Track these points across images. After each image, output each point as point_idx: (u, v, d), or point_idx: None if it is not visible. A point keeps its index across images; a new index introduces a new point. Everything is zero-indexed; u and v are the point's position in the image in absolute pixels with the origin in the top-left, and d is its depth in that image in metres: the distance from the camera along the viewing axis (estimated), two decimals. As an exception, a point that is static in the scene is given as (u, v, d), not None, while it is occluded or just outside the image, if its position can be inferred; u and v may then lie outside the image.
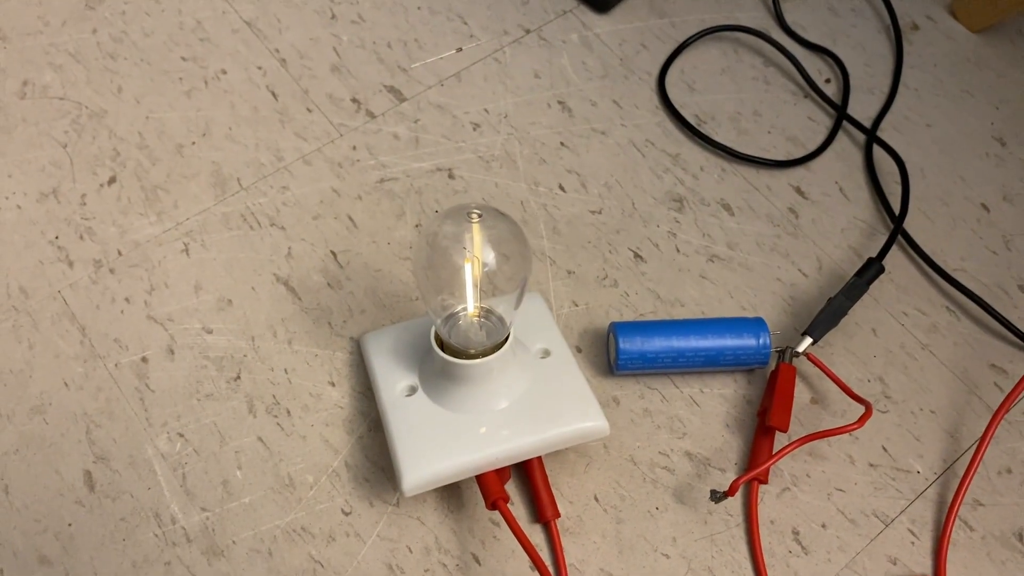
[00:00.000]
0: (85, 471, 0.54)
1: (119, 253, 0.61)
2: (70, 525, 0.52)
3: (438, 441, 0.50)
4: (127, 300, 0.59)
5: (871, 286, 0.60)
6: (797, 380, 0.58)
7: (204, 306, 0.59)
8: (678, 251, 0.63)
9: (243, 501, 0.53)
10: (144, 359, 0.57)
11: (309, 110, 0.67)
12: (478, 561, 0.52)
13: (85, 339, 0.58)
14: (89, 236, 0.61)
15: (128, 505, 0.53)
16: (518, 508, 0.53)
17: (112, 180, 0.64)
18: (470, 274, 0.49)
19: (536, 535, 0.53)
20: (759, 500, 0.54)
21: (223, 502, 0.53)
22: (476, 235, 0.48)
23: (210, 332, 0.58)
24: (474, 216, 0.48)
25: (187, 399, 0.56)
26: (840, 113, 0.69)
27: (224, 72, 0.69)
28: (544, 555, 0.52)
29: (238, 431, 0.55)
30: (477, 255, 0.48)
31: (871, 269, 0.60)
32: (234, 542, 0.52)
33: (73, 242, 0.61)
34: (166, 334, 0.58)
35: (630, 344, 0.56)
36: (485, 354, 0.50)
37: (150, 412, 0.55)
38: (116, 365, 0.57)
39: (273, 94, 0.68)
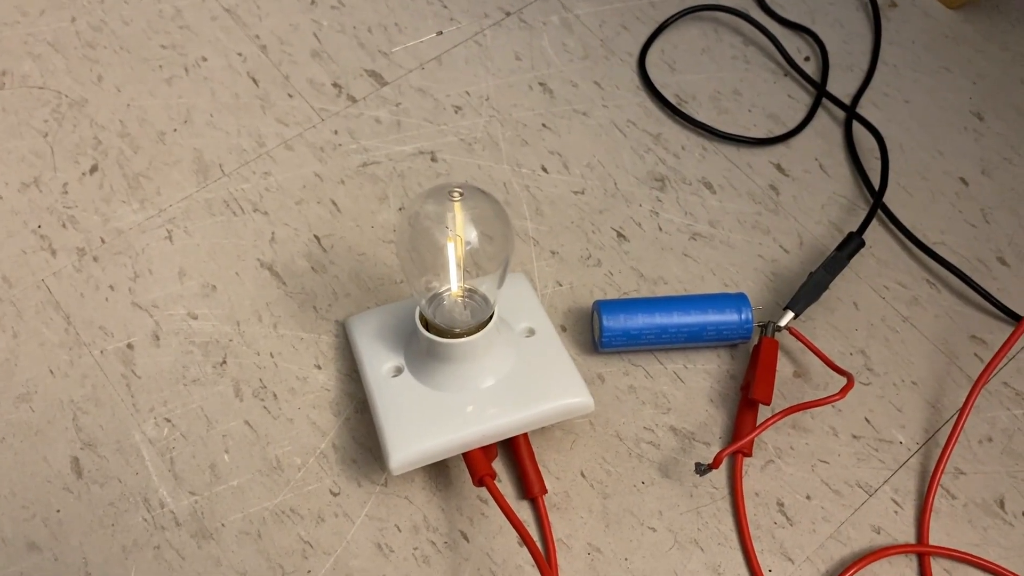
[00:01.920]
0: (72, 458, 0.54)
1: (102, 241, 0.61)
2: (58, 511, 0.52)
3: (424, 420, 0.51)
4: (111, 287, 0.59)
5: (852, 260, 0.61)
6: (780, 354, 0.58)
7: (189, 292, 0.59)
8: (660, 230, 0.63)
9: (231, 484, 0.53)
10: (130, 346, 0.57)
11: (290, 96, 0.67)
12: (466, 538, 0.52)
13: (70, 327, 0.58)
14: (72, 224, 0.61)
15: (116, 490, 0.53)
16: (505, 485, 0.54)
17: (94, 168, 0.63)
18: (453, 253, 0.49)
19: (524, 511, 0.53)
20: (744, 473, 0.54)
21: (211, 486, 0.53)
22: (458, 214, 0.48)
23: (195, 318, 0.58)
24: (455, 195, 0.48)
25: (173, 384, 0.56)
26: (819, 90, 0.70)
27: (204, 59, 0.69)
28: (532, 531, 0.52)
29: (225, 415, 0.55)
30: (459, 234, 0.49)
31: (851, 243, 0.60)
32: (223, 525, 0.52)
33: (56, 231, 0.61)
34: (151, 320, 0.58)
35: (614, 322, 0.56)
36: (470, 333, 0.50)
37: (136, 398, 0.55)
38: (101, 352, 0.57)
39: (254, 80, 0.68)
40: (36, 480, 0.53)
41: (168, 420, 0.55)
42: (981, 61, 0.73)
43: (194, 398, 0.56)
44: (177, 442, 0.54)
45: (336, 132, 0.66)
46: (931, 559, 0.53)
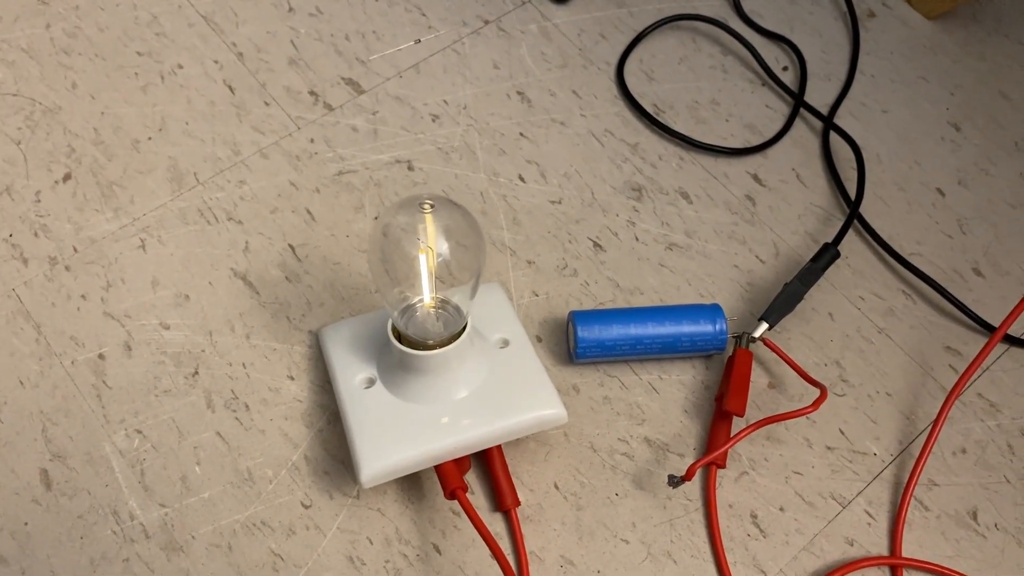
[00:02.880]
0: (41, 469, 0.53)
1: (75, 250, 0.60)
2: (26, 524, 0.52)
3: (396, 432, 0.50)
4: (83, 297, 0.59)
5: (828, 271, 0.61)
6: (754, 365, 0.58)
7: (161, 302, 0.59)
8: (637, 240, 0.63)
9: (202, 496, 0.53)
10: (101, 356, 0.57)
11: (267, 103, 0.67)
12: (439, 551, 0.52)
13: (40, 337, 0.57)
14: (44, 233, 0.61)
15: (85, 502, 0.52)
16: (478, 497, 0.53)
17: (67, 177, 0.63)
18: (425, 265, 0.49)
19: (497, 523, 0.53)
20: (717, 484, 0.54)
21: (182, 497, 0.53)
22: (429, 225, 0.48)
23: (167, 328, 0.58)
24: (426, 206, 0.48)
25: (145, 395, 0.55)
26: (797, 100, 0.70)
27: (180, 67, 0.68)
28: (504, 543, 0.52)
29: (196, 426, 0.55)
30: (431, 245, 0.48)
31: (826, 254, 0.60)
32: (193, 537, 0.51)
33: (27, 240, 0.60)
34: (123, 330, 0.57)
35: (588, 332, 0.56)
36: (443, 345, 0.50)
37: (107, 409, 0.55)
38: (72, 362, 0.56)
39: (230, 88, 0.67)
40: (4, 492, 0.52)
41: (139, 431, 0.54)
42: (958, 71, 0.73)
43: (165, 409, 0.55)
44: (148, 453, 0.54)
45: (312, 140, 0.66)
46: (904, 571, 0.53)
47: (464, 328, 0.50)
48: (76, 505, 0.52)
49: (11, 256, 0.60)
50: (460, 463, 0.51)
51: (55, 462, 0.53)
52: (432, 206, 0.48)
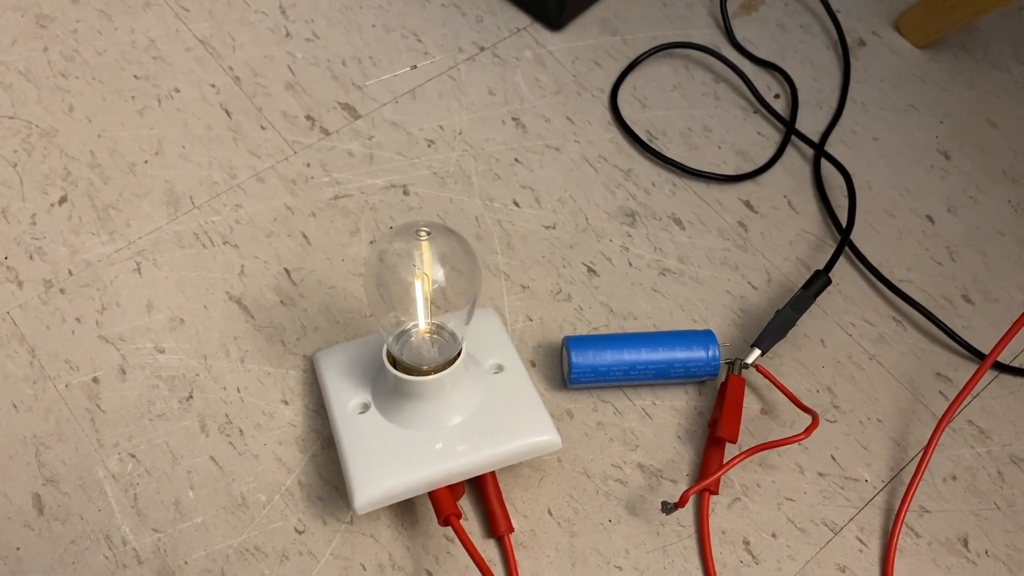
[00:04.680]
0: (34, 494, 0.53)
1: (70, 273, 0.60)
2: (18, 549, 0.51)
3: (390, 458, 0.50)
4: (78, 320, 0.59)
5: (819, 298, 0.61)
6: (747, 391, 0.58)
7: (156, 325, 0.59)
8: (630, 265, 0.64)
9: (195, 521, 0.53)
10: (95, 379, 0.57)
11: (263, 127, 0.67)
12: (432, 577, 0.52)
13: (35, 360, 0.57)
14: (39, 256, 0.61)
15: (78, 528, 0.52)
16: (472, 523, 0.53)
17: (63, 199, 0.63)
18: (420, 291, 0.49)
19: (490, 550, 0.53)
20: (710, 511, 0.55)
21: (175, 523, 0.52)
22: (425, 252, 0.48)
23: (162, 351, 0.58)
24: (423, 233, 0.48)
25: (139, 419, 0.55)
26: (789, 128, 0.71)
27: (177, 90, 0.69)
28: (498, 570, 0.52)
29: (190, 451, 0.55)
30: (427, 272, 0.49)
31: (818, 281, 0.61)
32: (186, 563, 0.51)
33: (23, 262, 0.60)
34: (118, 354, 0.58)
35: (582, 358, 0.56)
36: (437, 370, 0.50)
37: (101, 433, 0.55)
38: (67, 386, 0.56)
39: (227, 112, 0.68)
40: (-4, 517, 0.52)
41: (132, 455, 0.54)
42: (948, 100, 0.74)
43: (159, 433, 0.55)
44: (141, 478, 0.54)
45: (308, 165, 0.66)
46: (895, 598, 0.53)
47: (459, 354, 0.51)
48: (69, 530, 0.52)
49: (6, 279, 0.60)
50: (454, 489, 0.51)
51: (48, 486, 0.53)
52: (428, 233, 0.48)
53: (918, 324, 0.63)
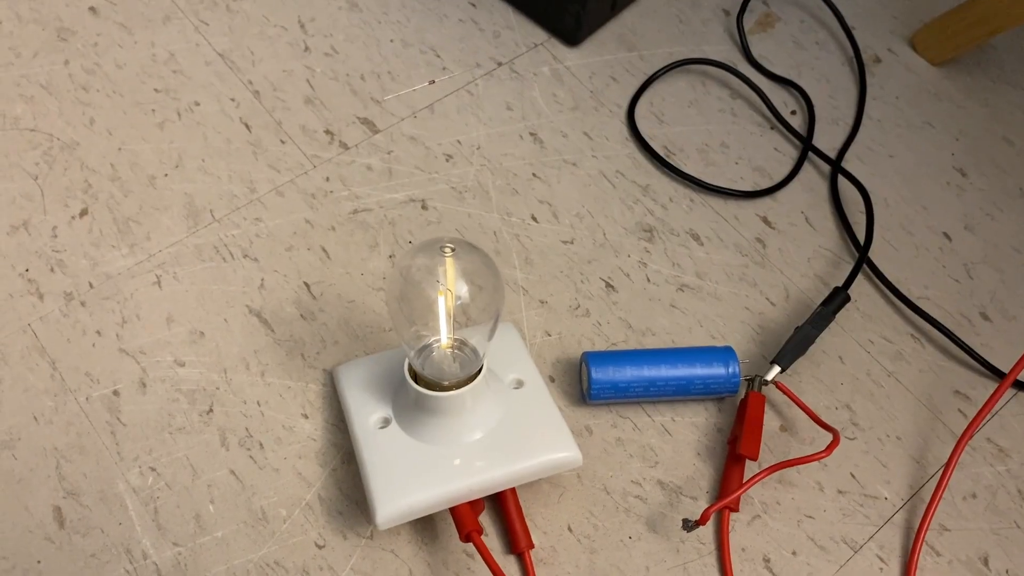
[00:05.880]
0: (55, 507, 0.53)
1: (90, 286, 0.60)
2: (39, 563, 0.51)
3: (412, 474, 0.50)
4: (98, 333, 0.59)
5: (838, 315, 0.62)
6: (766, 408, 0.58)
7: (176, 339, 0.59)
8: (648, 280, 0.64)
9: (216, 535, 0.53)
10: (115, 392, 0.57)
11: (282, 142, 0.68)
12: (452, 593, 0.52)
13: (55, 373, 0.57)
14: (60, 269, 0.61)
15: (99, 541, 0.52)
16: (492, 539, 0.53)
17: (84, 212, 0.63)
18: (443, 306, 0.49)
19: (510, 566, 0.53)
20: (730, 528, 0.55)
21: (195, 536, 0.52)
22: (449, 268, 0.49)
23: (182, 365, 0.58)
24: (447, 250, 0.48)
25: (159, 432, 0.56)
26: (806, 144, 0.71)
27: (197, 104, 0.69)
28: (518, 586, 0.52)
29: (210, 464, 0.55)
30: (450, 288, 0.49)
31: (837, 298, 0.61)
32: (206, 577, 0.51)
33: (44, 275, 0.61)
34: (138, 367, 0.58)
35: (602, 374, 0.56)
36: (459, 386, 0.50)
37: (121, 446, 0.55)
38: (87, 399, 0.56)
39: (246, 126, 0.68)
40: (17, 530, 0.52)
41: (153, 469, 0.54)
42: (963, 117, 0.74)
43: (179, 447, 0.55)
44: (161, 491, 0.54)
45: (328, 179, 0.66)
46: (916, 617, 0.53)
47: (481, 369, 0.51)
48: (89, 543, 0.52)
49: (27, 291, 0.60)
50: (474, 505, 0.51)
51: (68, 499, 0.53)
52: (452, 249, 0.48)
53: (936, 341, 0.63)
